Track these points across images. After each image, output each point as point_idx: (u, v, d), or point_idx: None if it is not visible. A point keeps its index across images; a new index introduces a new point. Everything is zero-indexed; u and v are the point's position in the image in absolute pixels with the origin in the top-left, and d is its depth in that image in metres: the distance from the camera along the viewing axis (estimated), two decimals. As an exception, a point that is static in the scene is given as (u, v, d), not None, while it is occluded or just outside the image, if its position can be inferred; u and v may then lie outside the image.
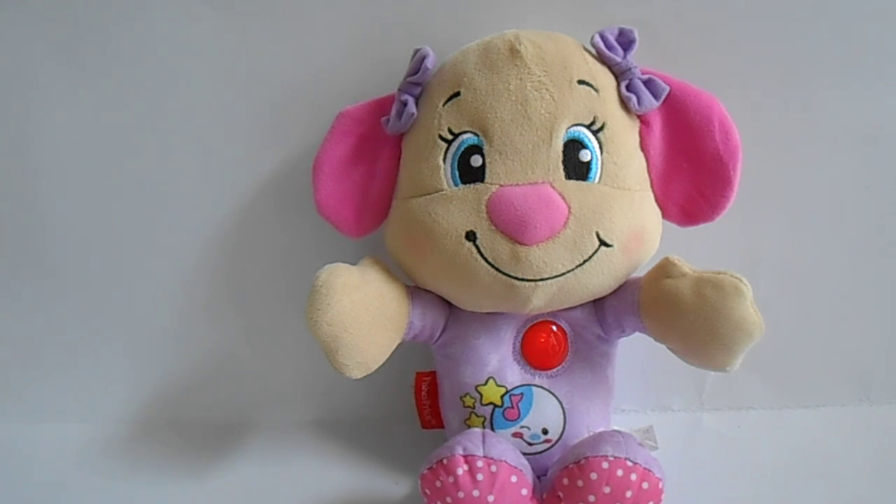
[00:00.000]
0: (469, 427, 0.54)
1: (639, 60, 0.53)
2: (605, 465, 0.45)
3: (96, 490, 0.62)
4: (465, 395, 0.54)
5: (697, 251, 0.65)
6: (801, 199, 0.66)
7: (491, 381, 0.54)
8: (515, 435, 0.54)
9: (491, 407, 0.54)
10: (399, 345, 0.53)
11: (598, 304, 0.55)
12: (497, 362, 0.54)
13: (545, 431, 0.54)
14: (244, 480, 0.62)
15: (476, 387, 0.54)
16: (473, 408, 0.54)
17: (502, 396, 0.54)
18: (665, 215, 0.55)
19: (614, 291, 0.53)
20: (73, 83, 0.63)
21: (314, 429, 0.69)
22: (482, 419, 0.54)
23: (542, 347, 0.54)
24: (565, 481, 0.47)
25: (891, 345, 0.69)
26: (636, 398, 0.70)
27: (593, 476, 0.45)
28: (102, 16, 0.61)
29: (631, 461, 0.46)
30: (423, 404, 0.59)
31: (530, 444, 0.54)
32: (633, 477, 0.45)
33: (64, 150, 0.65)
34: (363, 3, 0.60)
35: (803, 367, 0.69)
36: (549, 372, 0.54)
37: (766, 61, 0.62)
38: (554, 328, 0.54)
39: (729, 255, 0.66)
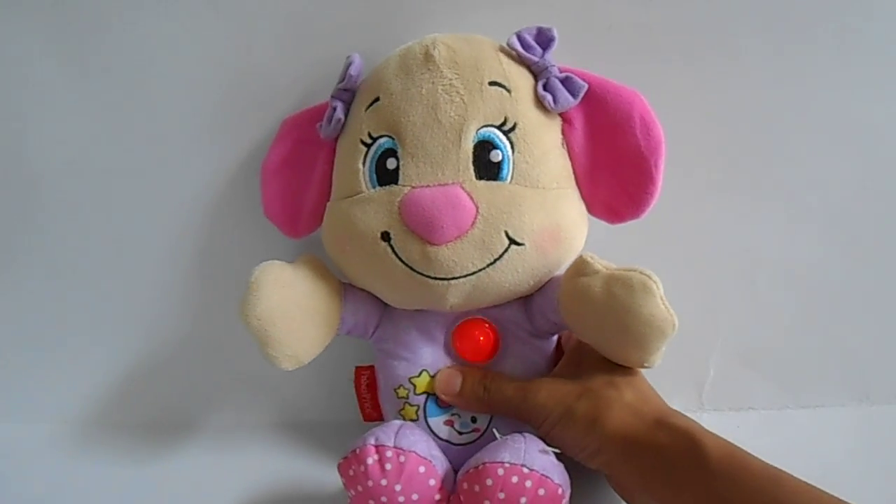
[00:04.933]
0: (403, 417, 0.55)
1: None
2: (500, 471, 0.45)
3: (57, 492, 0.62)
4: (398, 387, 0.56)
5: (697, 251, 0.66)
6: (800, 199, 0.64)
7: (424, 372, 0.55)
8: (447, 423, 0.55)
9: (424, 396, 0.55)
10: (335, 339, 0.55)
11: (527, 302, 0.55)
12: (429, 356, 0.55)
13: (474, 420, 0.55)
14: (208, 478, 0.62)
15: (409, 378, 0.55)
16: (407, 398, 0.55)
17: (435, 385, 0.55)
18: (592, 212, 0.54)
19: (540, 289, 0.54)
20: (70, 82, 0.64)
21: (294, 430, 0.69)
22: (416, 408, 0.55)
23: (470, 344, 0.55)
24: (465, 485, 0.47)
25: (891, 345, 0.66)
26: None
27: (489, 482, 0.45)
28: (98, 15, 0.62)
29: (527, 468, 0.45)
30: (363, 397, 0.60)
31: (460, 434, 0.55)
32: (528, 484, 0.45)
33: (59, 150, 0.66)
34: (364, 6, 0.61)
35: (803, 367, 0.67)
36: (479, 365, 0.55)
37: (766, 61, 0.60)
38: (485, 325, 0.55)
39: (729, 255, 0.65)
